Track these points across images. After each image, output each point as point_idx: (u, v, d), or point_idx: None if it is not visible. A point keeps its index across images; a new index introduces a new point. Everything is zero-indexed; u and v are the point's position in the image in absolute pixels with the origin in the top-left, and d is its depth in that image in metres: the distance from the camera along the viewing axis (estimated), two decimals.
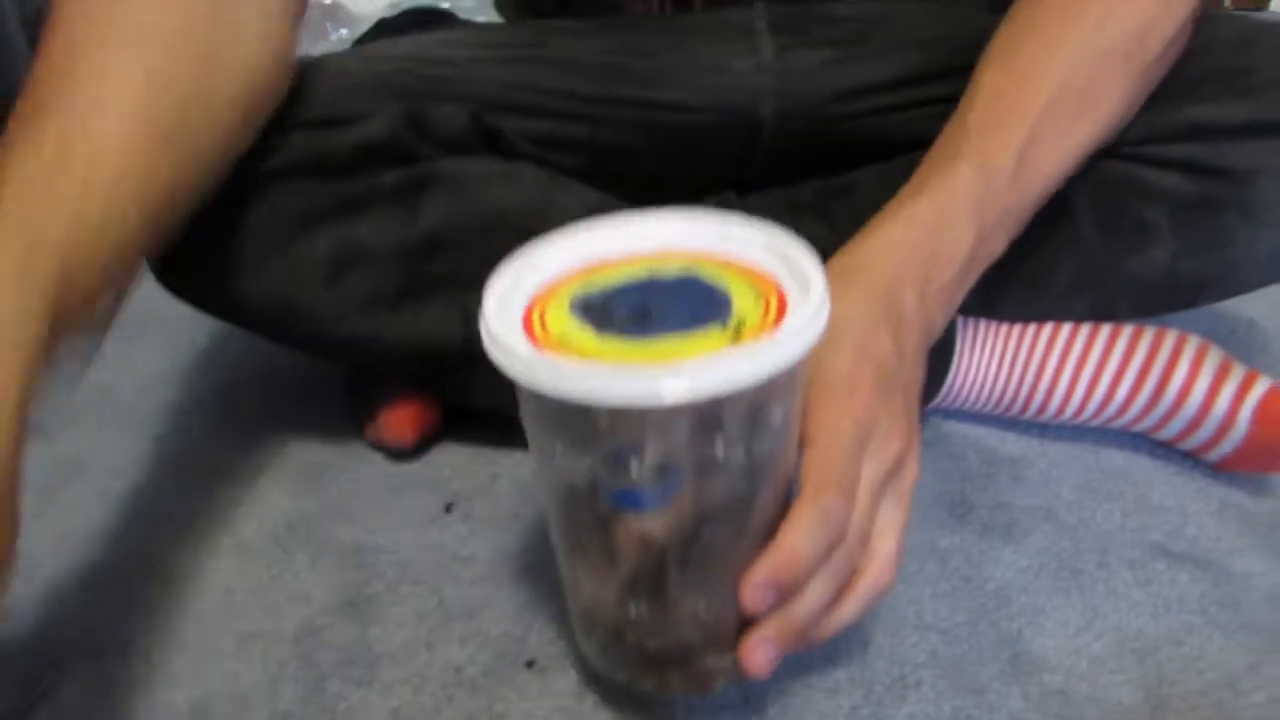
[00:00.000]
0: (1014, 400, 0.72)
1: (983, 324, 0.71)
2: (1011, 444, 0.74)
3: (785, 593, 0.45)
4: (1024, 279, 0.66)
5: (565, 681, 0.56)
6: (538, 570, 0.64)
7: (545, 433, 0.45)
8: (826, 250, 0.70)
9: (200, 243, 0.59)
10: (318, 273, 0.62)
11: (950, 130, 0.58)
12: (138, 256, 0.50)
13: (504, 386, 0.42)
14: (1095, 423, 0.72)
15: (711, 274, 0.45)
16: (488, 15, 0.97)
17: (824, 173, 0.76)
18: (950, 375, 0.71)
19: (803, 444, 0.46)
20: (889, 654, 0.57)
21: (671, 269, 0.46)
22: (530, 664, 0.58)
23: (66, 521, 0.70)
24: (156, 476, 0.75)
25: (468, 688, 0.57)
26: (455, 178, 0.65)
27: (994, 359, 0.71)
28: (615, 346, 0.41)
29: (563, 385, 0.39)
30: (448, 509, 0.69)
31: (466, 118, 0.66)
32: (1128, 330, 0.70)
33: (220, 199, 0.56)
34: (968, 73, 0.61)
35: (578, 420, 0.42)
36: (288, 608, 0.63)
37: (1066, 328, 0.71)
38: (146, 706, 0.56)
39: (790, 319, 0.41)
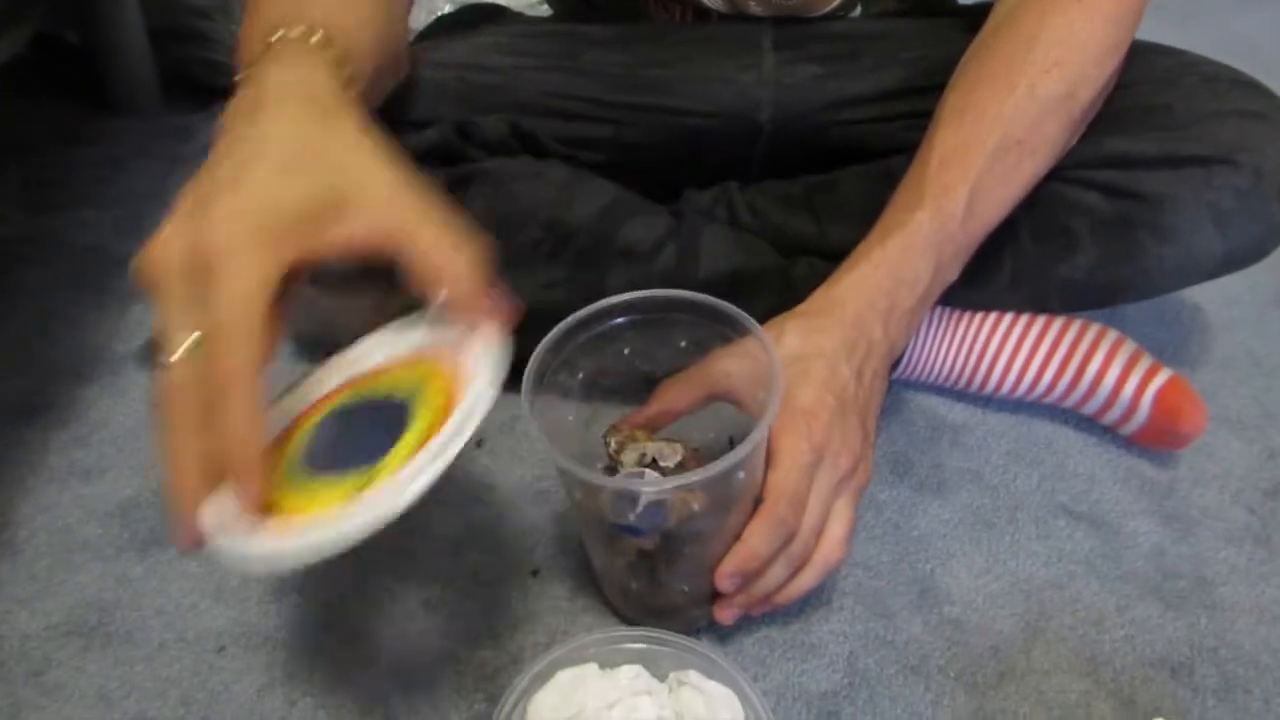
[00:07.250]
0: (960, 375, 0.84)
1: (939, 310, 0.83)
2: (956, 413, 0.87)
3: (748, 579, 0.62)
4: (973, 276, 0.77)
5: (561, 588, 0.72)
6: (545, 497, 0.79)
7: (566, 485, 0.64)
8: (811, 241, 0.82)
9: None
10: None
11: (910, 180, 0.70)
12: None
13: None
14: (1029, 398, 0.84)
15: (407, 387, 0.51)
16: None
17: (814, 170, 0.88)
18: (908, 352, 0.83)
19: (768, 463, 0.61)
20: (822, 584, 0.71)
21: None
22: (535, 572, 0.73)
23: None
24: None
25: (484, 587, 0.72)
26: (495, 175, 0.78)
27: (946, 340, 0.83)
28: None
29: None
30: (479, 444, 0.84)
31: (507, 126, 0.79)
32: (1058, 322, 0.82)
33: None
34: (938, 91, 0.73)
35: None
36: None
37: (1008, 317, 0.83)
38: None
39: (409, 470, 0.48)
